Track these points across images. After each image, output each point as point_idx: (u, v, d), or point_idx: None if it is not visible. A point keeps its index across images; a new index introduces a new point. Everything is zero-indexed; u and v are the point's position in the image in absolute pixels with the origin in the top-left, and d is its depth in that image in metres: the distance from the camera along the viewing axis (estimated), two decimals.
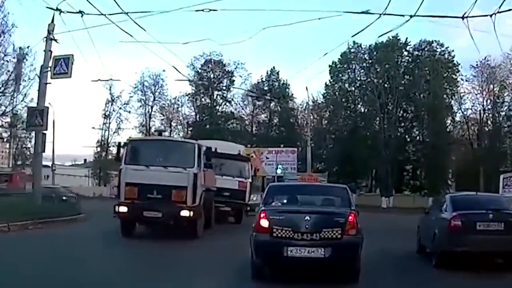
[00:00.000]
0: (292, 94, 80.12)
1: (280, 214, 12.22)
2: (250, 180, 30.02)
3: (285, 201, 13.71)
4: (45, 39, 27.38)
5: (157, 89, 79.05)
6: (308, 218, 11.82)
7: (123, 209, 19.66)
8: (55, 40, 27.43)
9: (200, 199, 20.78)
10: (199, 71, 78.72)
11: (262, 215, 12.21)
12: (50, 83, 27.87)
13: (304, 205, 13.24)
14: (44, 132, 28.73)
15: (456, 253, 14.18)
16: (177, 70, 38.30)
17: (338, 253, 11.68)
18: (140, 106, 79.17)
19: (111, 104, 77.12)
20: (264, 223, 12.05)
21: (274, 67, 78.22)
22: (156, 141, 23.10)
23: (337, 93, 77.86)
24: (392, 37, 72.27)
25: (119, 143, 22.54)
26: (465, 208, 14.74)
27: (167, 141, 23.58)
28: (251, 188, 30.14)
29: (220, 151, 27.70)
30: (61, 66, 27.45)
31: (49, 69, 27.25)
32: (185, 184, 19.86)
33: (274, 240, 11.88)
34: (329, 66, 76.18)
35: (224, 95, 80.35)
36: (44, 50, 27.58)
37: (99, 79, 39.78)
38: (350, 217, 12.00)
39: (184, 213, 19.72)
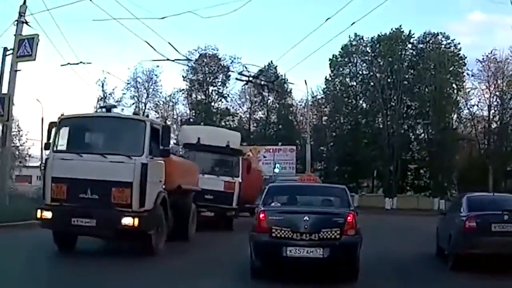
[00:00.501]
0: (291, 90, 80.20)
1: (279, 215, 13.05)
2: (240, 179, 27.23)
3: (284, 201, 14.50)
4: (16, 22, 26.45)
5: (151, 85, 79.14)
6: (307, 219, 12.64)
7: (47, 214, 15.52)
8: (27, 23, 26.64)
9: (156, 201, 16.31)
10: (194, 65, 78.50)
11: (261, 215, 13.03)
12: (19, 70, 26.84)
13: (303, 206, 14.03)
14: (5, 123, 26.96)
15: (471, 255, 14.48)
16: (173, 47, 28.55)
17: (337, 253, 12.52)
18: (133, 104, 79.22)
19: (104, 102, 77.48)
20: (264, 223, 12.88)
21: (271, 62, 77.61)
22: (94, 119, 18.10)
23: (337, 88, 77.76)
24: (396, 29, 73.31)
25: (49, 123, 16.73)
26: (481, 209, 15.06)
27: (109, 119, 17.24)
28: (240, 189, 27.19)
29: (203, 143, 26.95)
30: (25, 48, 26.21)
31: (14, 52, 26.17)
32: (130, 179, 15.40)
33: (273, 240, 12.61)
34: (329, 59, 76.56)
35: (220, 90, 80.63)
36: (15, 34, 26.59)
37: (68, 63, 31.69)
38: (349, 218, 12.79)
39: (127, 220, 15.26)
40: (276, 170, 61.45)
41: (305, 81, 62.13)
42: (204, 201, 24.43)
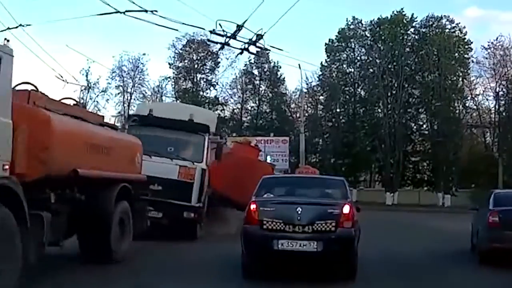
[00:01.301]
0: (284, 78, 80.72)
1: (271, 206, 13.31)
2: (203, 165, 21.76)
3: (279, 193, 14.80)
4: None
5: (137, 74, 79.14)
6: (300, 210, 12.87)
7: None
8: None
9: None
10: (180, 52, 78.94)
11: (252, 206, 13.26)
12: None
13: (294, 197, 14.31)
14: None
15: (495, 250, 15.56)
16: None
17: (332, 246, 12.76)
18: (119, 93, 79.17)
19: (88, 92, 77.07)
20: (254, 214, 13.12)
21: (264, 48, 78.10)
22: None
23: (334, 74, 77.45)
24: (397, 12, 73.18)
25: None
26: (506, 204, 16.21)
27: None
28: (204, 179, 21.82)
29: (156, 115, 22.38)
30: None
31: None
32: None
33: (264, 233, 13.02)
34: (325, 44, 76.57)
35: (208, 78, 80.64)
36: None
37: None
38: (345, 208, 13.06)
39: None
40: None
41: (299, 65, 61.36)
42: (151, 194, 18.81)
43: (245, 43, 23.00)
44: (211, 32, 22.26)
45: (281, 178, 19.83)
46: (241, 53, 24.81)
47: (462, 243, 20.21)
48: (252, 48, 24.23)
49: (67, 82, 37.19)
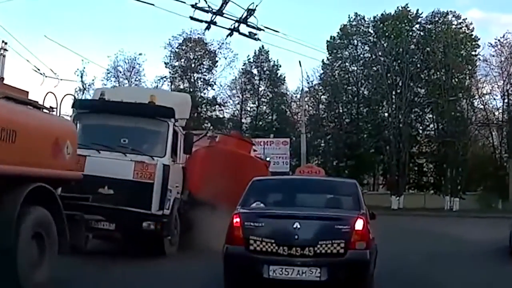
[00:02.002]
0: (284, 77, 79.44)
1: (260, 220, 10.31)
2: (166, 160, 17.22)
3: (272, 201, 11.64)
4: None
5: (133, 74, 77.40)
6: (299, 226, 10.01)
7: None
8: None
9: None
10: (177, 50, 77.43)
11: (235, 220, 10.20)
12: None
13: (295, 207, 11.19)
14: None
15: None
16: None
17: (340, 274, 9.80)
18: None
19: (83, 93, 75.02)
20: (238, 231, 10.11)
21: (262, 46, 76.56)
22: None
23: (336, 73, 75.76)
24: (401, 7, 71.28)
25: None
26: None
27: None
28: (168, 179, 17.23)
29: (109, 99, 18.06)
30: None
31: None
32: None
33: (251, 256, 10.12)
34: (327, 41, 74.67)
35: (206, 77, 79.07)
36: None
37: None
38: (357, 224, 9.97)
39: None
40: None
41: (299, 62, 59.84)
42: (98, 200, 14.58)
43: (235, 21, 19.79)
44: (193, 6, 18.88)
45: (276, 180, 15.05)
46: (230, 34, 21.50)
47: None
48: (244, 29, 20.83)
49: (60, 79, 34.37)
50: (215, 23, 20.65)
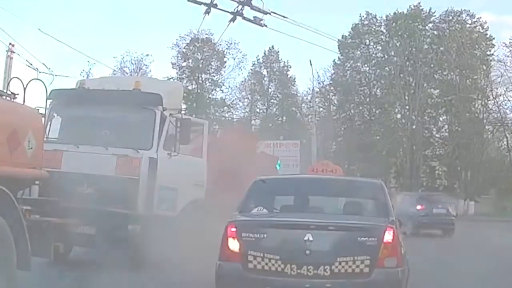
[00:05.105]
0: (295, 78, 78.89)
1: (262, 230, 8.09)
2: (153, 153, 14.75)
3: (276, 206, 9.46)
4: None
5: (140, 75, 74.00)
6: (311, 238, 7.99)
7: None
8: None
9: None
10: (184, 51, 77.11)
11: (230, 230, 8.04)
12: None
13: (306, 213, 8.94)
14: None
15: None
16: None
17: None
18: None
19: None
20: (233, 244, 7.95)
21: (273, 46, 76.61)
22: None
23: (348, 73, 74.93)
24: (414, 6, 70.32)
25: None
26: None
27: None
28: (156, 174, 14.79)
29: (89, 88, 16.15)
30: None
31: None
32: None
33: (250, 276, 8.09)
34: (338, 40, 71.32)
35: (214, 78, 78.73)
36: None
37: None
38: (386, 235, 7.77)
39: None
40: (277, 168, 57.18)
41: (310, 61, 58.60)
42: (76, 201, 12.92)
43: (238, 2, 17.80)
44: None
45: (284, 180, 12.42)
46: (233, 19, 19.32)
47: None
48: (248, 13, 18.78)
49: (55, 75, 34.52)
50: (215, 6, 18.57)
